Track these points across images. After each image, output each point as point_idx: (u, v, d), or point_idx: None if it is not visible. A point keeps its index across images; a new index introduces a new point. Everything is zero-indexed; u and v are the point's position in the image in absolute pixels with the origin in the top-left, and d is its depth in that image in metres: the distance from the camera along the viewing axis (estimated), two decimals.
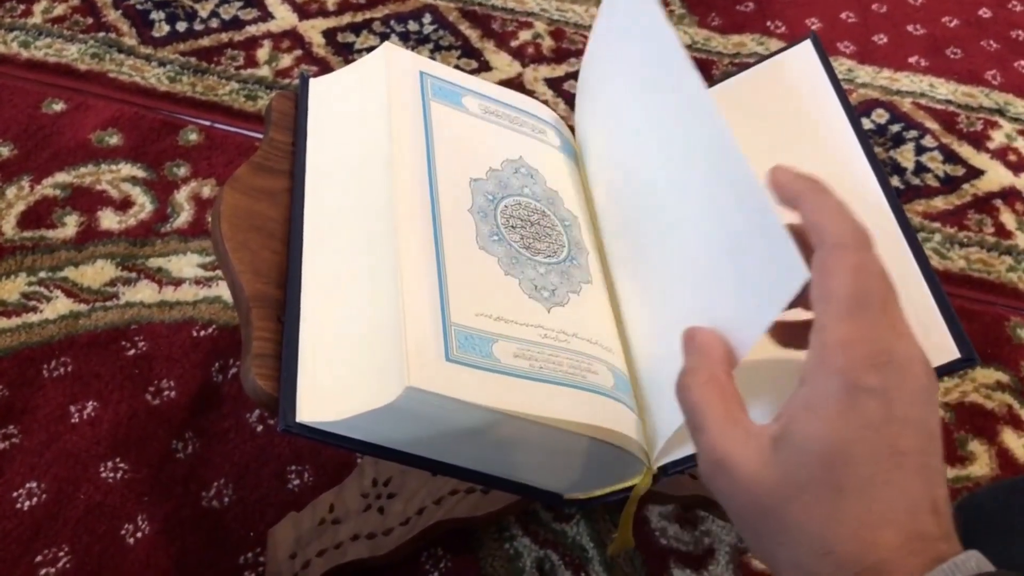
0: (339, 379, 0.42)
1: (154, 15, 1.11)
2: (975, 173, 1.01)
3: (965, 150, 1.03)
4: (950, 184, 1.00)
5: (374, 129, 0.50)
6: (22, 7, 1.11)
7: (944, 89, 1.10)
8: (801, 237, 0.35)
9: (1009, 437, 0.79)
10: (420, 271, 0.43)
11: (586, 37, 1.13)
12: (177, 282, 0.85)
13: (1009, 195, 0.99)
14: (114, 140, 0.96)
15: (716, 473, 0.36)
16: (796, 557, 0.33)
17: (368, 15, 1.14)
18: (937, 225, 0.95)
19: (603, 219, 0.54)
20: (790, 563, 0.34)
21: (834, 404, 0.34)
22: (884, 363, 0.34)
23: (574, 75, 1.09)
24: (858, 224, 0.35)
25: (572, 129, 0.60)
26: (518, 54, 1.11)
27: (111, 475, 0.73)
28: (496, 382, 0.41)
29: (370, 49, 1.09)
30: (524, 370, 0.42)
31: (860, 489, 0.33)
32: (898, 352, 0.34)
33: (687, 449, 0.44)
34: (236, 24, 1.11)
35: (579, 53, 1.12)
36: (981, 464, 0.77)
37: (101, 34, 1.08)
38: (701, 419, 0.36)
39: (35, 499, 0.71)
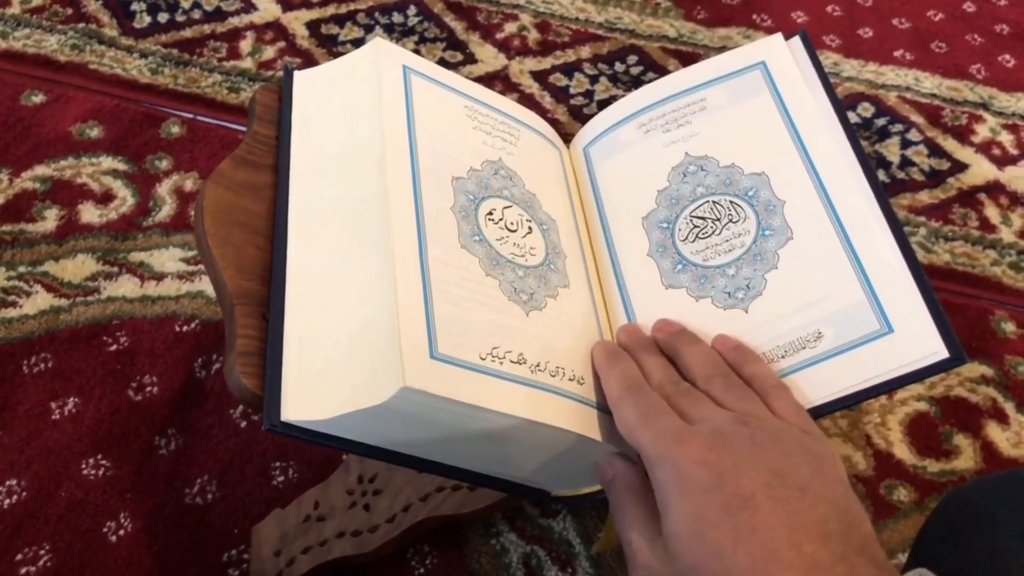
0: (325, 377, 0.41)
1: (135, 6, 1.10)
2: (960, 167, 1.01)
3: (950, 144, 1.03)
4: (935, 178, 1.00)
5: (364, 125, 0.50)
6: None
7: (929, 83, 1.10)
8: None
9: (994, 431, 0.80)
10: (408, 269, 0.43)
11: (572, 29, 1.13)
12: (159, 276, 0.84)
13: (993, 189, 0.99)
14: (95, 133, 0.95)
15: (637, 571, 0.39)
16: None
17: (352, 7, 1.13)
18: (922, 219, 0.96)
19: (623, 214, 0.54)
20: None
21: (673, 489, 0.37)
22: (693, 433, 0.38)
23: (560, 68, 1.08)
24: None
25: (554, 129, 0.60)
26: (503, 46, 1.11)
27: (93, 472, 0.72)
28: (482, 381, 0.41)
29: (354, 41, 1.08)
30: (503, 371, 0.42)
31: (732, 547, 0.35)
32: (706, 419, 0.39)
33: None
34: (218, 15, 1.10)
35: (564, 46, 1.11)
36: (966, 458, 0.78)
37: (81, 25, 1.07)
38: (623, 522, 0.41)
39: (15, 497, 0.70)
